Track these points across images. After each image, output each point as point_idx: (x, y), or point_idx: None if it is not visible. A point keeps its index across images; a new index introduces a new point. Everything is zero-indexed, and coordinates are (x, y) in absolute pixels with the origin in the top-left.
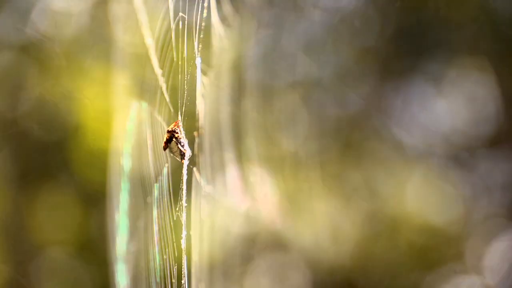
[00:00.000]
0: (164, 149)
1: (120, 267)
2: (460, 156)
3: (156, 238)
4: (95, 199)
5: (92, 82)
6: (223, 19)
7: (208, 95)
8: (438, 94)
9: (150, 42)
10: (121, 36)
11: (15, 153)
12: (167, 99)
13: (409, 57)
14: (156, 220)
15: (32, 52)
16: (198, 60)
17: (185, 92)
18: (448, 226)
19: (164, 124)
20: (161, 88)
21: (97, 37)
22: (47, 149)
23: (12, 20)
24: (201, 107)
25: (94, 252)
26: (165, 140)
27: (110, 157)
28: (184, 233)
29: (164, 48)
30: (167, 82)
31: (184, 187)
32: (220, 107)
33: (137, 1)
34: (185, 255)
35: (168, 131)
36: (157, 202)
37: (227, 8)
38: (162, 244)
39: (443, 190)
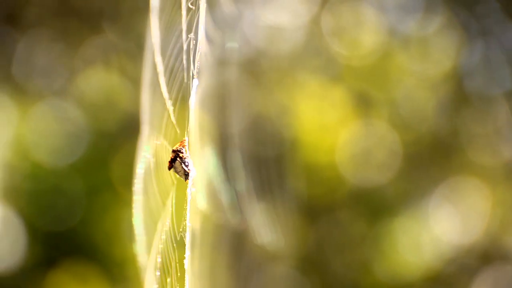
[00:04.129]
0: (169, 168)
1: None
2: None
3: (159, 260)
4: (314, 212)
5: (308, 96)
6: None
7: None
8: None
9: (160, 68)
10: (336, 49)
11: None
12: (174, 122)
13: None
14: (160, 242)
15: (249, 67)
16: (194, 81)
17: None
18: None
19: (169, 147)
20: (168, 111)
21: (312, 51)
22: (265, 164)
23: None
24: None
25: (314, 265)
26: (169, 159)
27: (327, 170)
28: (187, 253)
29: (173, 71)
30: (174, 104)
31: (188, 207)
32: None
33: (152, 27)
34: (187, 276)
35: (173, 151)
36: (162, 224)
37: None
38: (165, 266)
39: None
